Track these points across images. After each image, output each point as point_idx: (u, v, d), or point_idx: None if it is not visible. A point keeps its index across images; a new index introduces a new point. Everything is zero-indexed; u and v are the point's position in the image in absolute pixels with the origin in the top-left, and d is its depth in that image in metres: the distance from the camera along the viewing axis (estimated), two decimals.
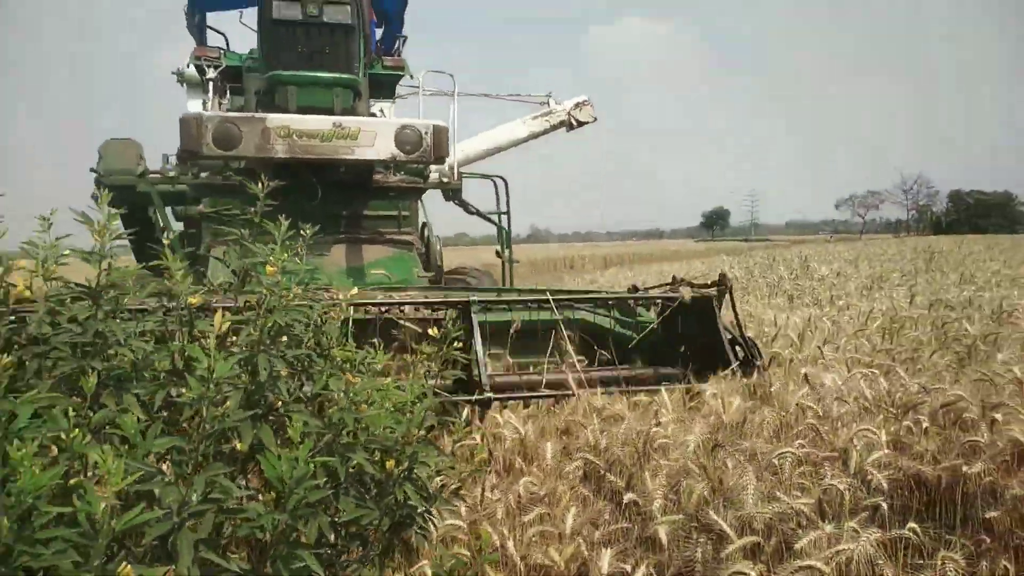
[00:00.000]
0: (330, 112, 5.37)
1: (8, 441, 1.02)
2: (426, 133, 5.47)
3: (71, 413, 1.19)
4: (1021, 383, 3.50)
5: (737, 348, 4.20)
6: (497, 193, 7.30)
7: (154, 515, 1.10)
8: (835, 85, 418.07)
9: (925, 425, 3.24)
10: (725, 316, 4.48)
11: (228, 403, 1.33)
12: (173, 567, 1.21)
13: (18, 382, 1.40)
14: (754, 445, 2.96)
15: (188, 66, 7.03)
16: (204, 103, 6.70)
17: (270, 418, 1.54)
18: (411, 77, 6.98)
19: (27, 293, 1.32)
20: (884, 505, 2.65)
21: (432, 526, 1.75)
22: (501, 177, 7.25)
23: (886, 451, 2.97)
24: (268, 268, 1.54)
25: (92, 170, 6.79)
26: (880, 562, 2.19)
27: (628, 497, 2.67)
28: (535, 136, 7.90)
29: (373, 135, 5.35)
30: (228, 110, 6.45)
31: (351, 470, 1.57)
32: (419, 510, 1.63)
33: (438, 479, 1.87)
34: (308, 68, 5.31)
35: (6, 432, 1.03)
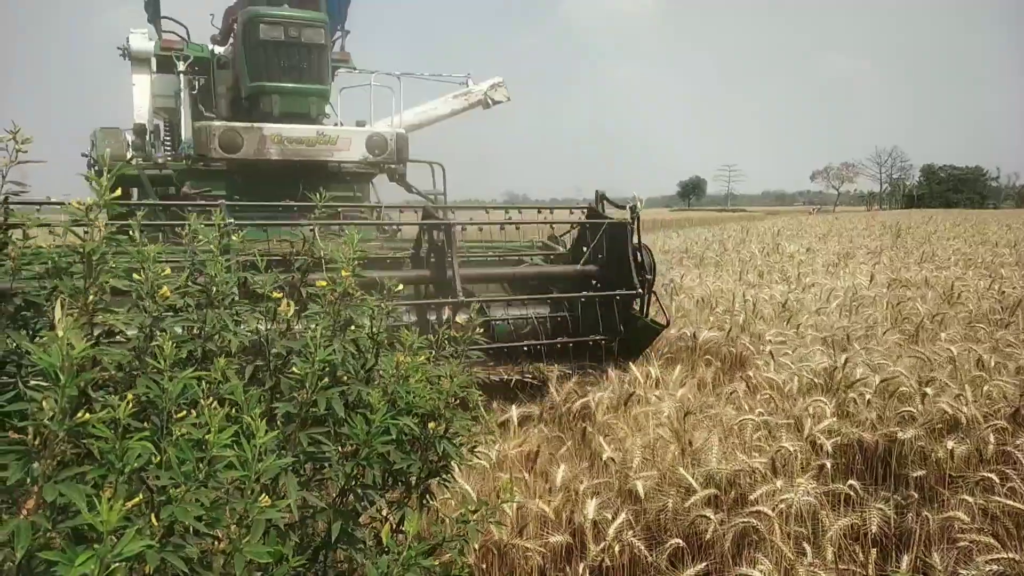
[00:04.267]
0: (307, 116, 6.68)
1: (189, 407, 1.45)
2: (391, 139, 6.80)
3: (205, 386, 1.61)
4: (953, 361, 4.01)
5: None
6: (438, 177, 8.00)
7: (287, 462, 1.52)
8: (814, 58, 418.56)
9: (868, 397, 3.73)
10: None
11: (324, 379, 1.75)
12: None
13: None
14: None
15: (128, 42, 7.78)
16: (176, 86, 7.54)
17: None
18: (356, 71, 7.97)
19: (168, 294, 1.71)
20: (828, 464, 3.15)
21: (453, 476, 2.19)
22: (439, 164, 8.08)
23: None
24: (344, 272, 1.94)
25: (84, 155, 7.92)
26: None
27: None
28: (455, 113, 8.78)
29: (349, 141, 6.63)
30: (197, 96, 7.71)
31: (403, 430, 2.00)
32: (452, 461, 2.07)
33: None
34: (289, 80, 6.55)
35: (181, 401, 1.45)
